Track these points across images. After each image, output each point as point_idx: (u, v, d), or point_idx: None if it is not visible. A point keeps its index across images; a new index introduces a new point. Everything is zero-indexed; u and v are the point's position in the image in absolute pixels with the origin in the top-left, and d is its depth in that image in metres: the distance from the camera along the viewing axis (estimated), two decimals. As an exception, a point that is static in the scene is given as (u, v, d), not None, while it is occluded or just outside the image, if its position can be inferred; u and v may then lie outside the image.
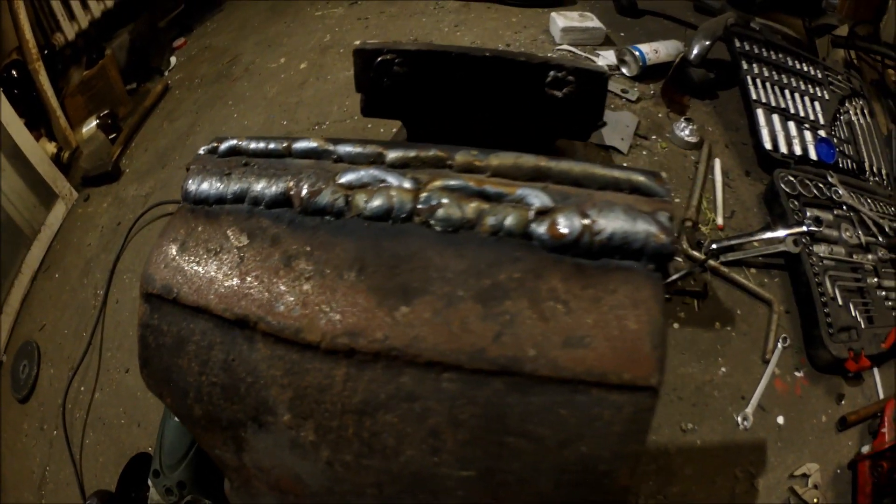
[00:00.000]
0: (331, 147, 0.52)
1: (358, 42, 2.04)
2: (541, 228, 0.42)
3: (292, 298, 0.45)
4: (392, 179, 0.46)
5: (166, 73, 2.45)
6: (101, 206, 1.97)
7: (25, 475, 1.60)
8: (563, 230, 0.42)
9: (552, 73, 0.87)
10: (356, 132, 1.79)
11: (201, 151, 0.61)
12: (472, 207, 0.43)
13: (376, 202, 0.46)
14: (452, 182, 0.45)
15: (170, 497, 1.15)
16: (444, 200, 0.44)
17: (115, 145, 2.11)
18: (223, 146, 0.59)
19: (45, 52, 2.18)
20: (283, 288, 0.46)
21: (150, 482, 1.17)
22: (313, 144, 0.52)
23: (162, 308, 0.54)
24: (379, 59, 0.90)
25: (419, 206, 0.44)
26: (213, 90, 2.20)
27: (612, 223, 0.43)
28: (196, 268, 0.52)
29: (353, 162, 0.50)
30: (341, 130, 1.82)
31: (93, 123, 2.18)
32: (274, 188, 0.51)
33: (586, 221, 0.42)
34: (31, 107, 2.14)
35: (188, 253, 0.53)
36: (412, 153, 0.48)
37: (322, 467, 0.46)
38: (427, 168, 0.48)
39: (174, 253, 0.54)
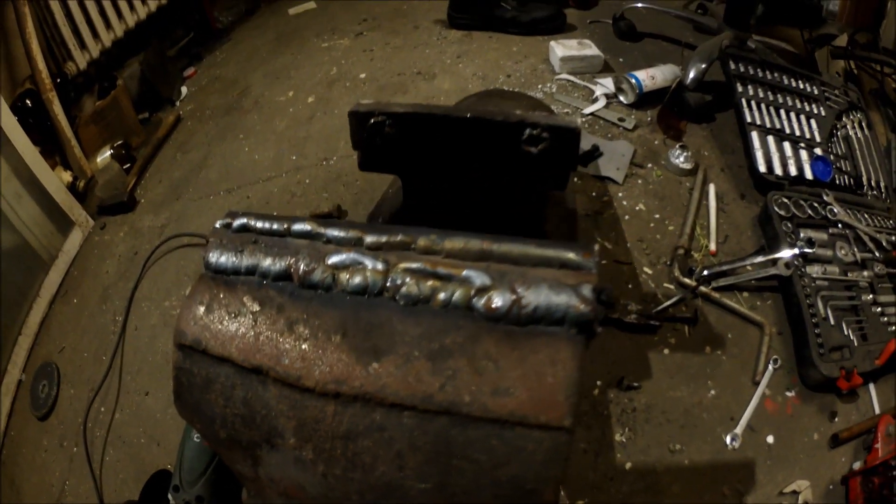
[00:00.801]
0: (322, 230, 0.70)
1: (363, 75, 2.26)
2: (479, 303, 0.60)
3: (294, 354, 0.64)
4: (368, 262, 0.64)
5: (178, 104, 2.65)
6: (118, 236, 2.17)
7: (44, 489, 1.76)
8: (496, 304, 0.59)
9: (528, 130, 1.02)
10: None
11: (217, 225, 0.79)
12: (427, 286, 0.61)
13: (356, 280, 0.64)
14: (413, 265, 0.63)
15: (188, 510, 1.33)
16: (407, 280, 0.62)
17: (130, 175, 2.31)
18: (236, 223, 0.78)
19: (58, 80, 2.37)
20: (287, 346, 0.64)
21: (169, 496, 1.36)
22: (308, 228, 0.71)
23: (192, 356, 0.72)
24: (371, 120, 1.07)
25: (388, 284, 0.63)
26: (224, 122, 2.40)
27: (536, 297, 0.60)
28: (219, 326, 0.70)
29: (339, 244, 0.69)
30: (348, 166, 2.00)
31: (107, 153, 2.39)
32: (278, 265, 0.70)
33: (515, 297, 0.60)
34: (46, 135, 2.33)
35: (213, 314, 0.72)
36: (384, 238, 0.66)
37: (319, 479, 0.65)
38: (396, 250, 0.66)
39: (201, 314, 0.72)
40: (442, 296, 0.61)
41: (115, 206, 2.24)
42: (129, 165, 2.35)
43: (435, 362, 0.59)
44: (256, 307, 0.69)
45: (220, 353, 0.69)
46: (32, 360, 2.06)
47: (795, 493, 1.32)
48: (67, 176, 2.34)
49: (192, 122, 2.49)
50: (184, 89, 2.70)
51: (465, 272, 0.61)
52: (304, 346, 0.64)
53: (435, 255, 0.65)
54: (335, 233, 0.70)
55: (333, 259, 0.67)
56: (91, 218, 2.30)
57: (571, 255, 0.64)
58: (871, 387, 1.46)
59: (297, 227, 0.73)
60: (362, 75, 2.27)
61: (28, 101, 2.27)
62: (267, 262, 0.71)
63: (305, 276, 0.67)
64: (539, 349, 0.58)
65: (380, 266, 0.64)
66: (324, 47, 2.53)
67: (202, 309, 0.72)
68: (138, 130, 2.54)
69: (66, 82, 2.43)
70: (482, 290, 0.60)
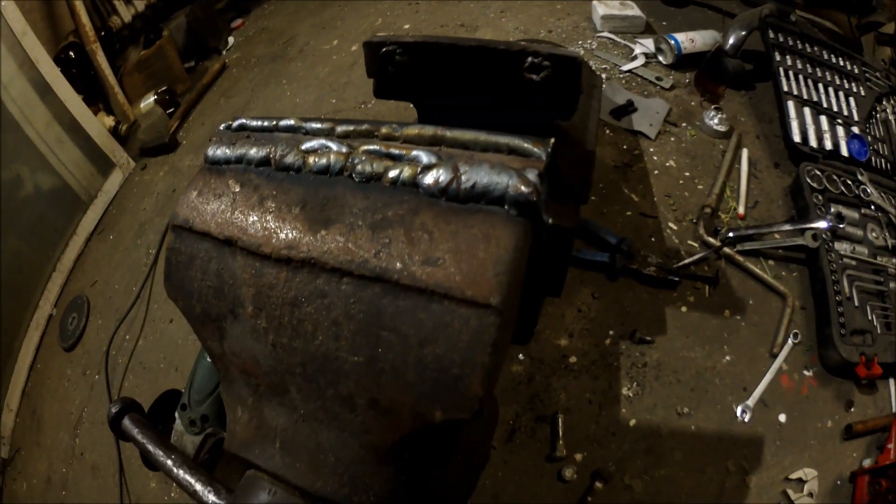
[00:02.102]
0: (302, 124, 0.81)
1: (407, 26, 2.38)
2: (424, 179, 0.69)
3: (260, 225, 0.75)
4: (333, 146, 0.75)
5: (224, 53, 2.87)
6: (158, 175, 2.39)
7: (63, 416, 1.99)
8: (437, 179, 0.68)
9: (529, 58, 1.09)
10: (398, 110, 2.11)
11: (221, 128, 0.92)
12: (381, 164, 0.71)
13: (321, 161, 0.75)
14: (371, 147, 0.73)
15: (192, 428, 1.48)
16: (363, 159, 0.72)
17: (173, 119, 2.53)
18: (235, 124, 0.91)
19: (102, 33, 2.64)
20: (255, 218, 0.76)
21: (176, 414, 1.51)
22: (291, 122, 0.83)
23: (182, 235, 0.85)
24: (383, 49, 1.17)
25: (347, 164, 0.73)
26: (269, 70, 2.59)
27: (476, 175, 0.67)
28: (205, 206, 0.83)
29: (315, 135, 0.79)
30: (384, 109, 2.16)
31: (151, 99, 2.62)
32: (260, 153, 0.81)
33: (455, 174, 0.68)
34: (90, 84, 2.62)
35: (202, 197, 0.84)
36: (352, 127, 0.77)
37: (269, 349, 0.76)
38: (362, 137, 0.76)
39: (193, 197, 0.85)
40: (392, 173, 0.70)
41: (156, 147, 2.46)
42: (172, 110, 2.56)
43: (375, 231, 0.68)
44: (237, 188, 0.81)
45: (202, 228, 0.81)
46: (65, 295, 2.32)
47: (802, 481, 1.34)
48: (110, 121, 2.60)
49: (237, 70, 2.70)
50: (231, 39, 2.91)
51: (414, 152, 0.71)
52: (268, 218, 0.75)
53: (394, 141, 0.74)
54: (313, 125, 0.81)
55: (306, 145, 0.78)
56: (132, 160, 2.54)
57: (521, 143, 0.71)
58: (892, 382, 1.48)
59: (283, 123, 0.85)
60: (406, 26, 2.40)
61: (71, 53, 2.57)
62: (252, 151, 0.83)
63: (280, 160, 0.79)
64: (474, 224, 0.66)
65: (344, 149, 0.75)
66: (370, -1, 2.67)
67: (195, 194, 0.85)
68: (183, 78, 2.75)
69: (110, 35, 2.74)
70: (427, 168, 0.69)
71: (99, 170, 2.48)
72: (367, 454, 0.75)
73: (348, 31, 2.55)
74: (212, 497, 0.88)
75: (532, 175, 0.66)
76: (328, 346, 0.70)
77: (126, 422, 1.03)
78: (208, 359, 1.53)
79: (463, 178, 0.67)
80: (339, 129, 0.78)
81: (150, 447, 0.99)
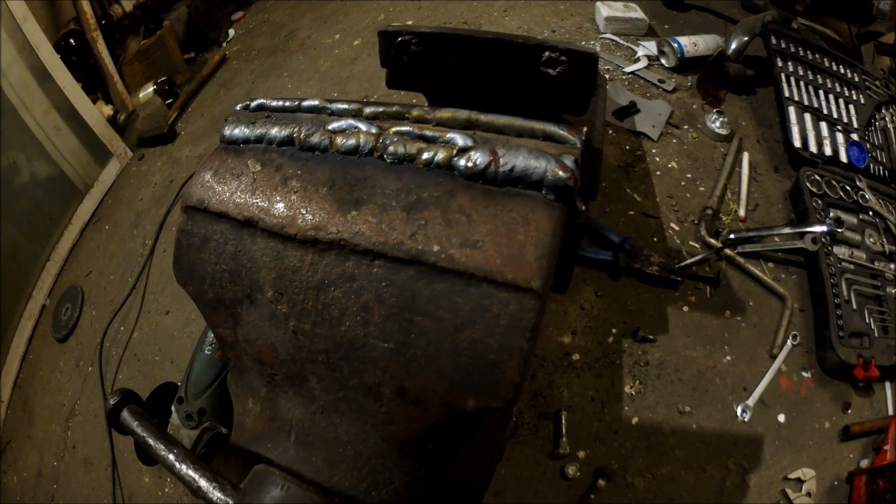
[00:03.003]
0: (327, 104, 0.78)
1: (410, 22, 2.34)
2: (460, 162, 0.66)
3: (283, 204, 0.71)
4: (363, 126, 0.71)
5: (224, 45, 2.81)
6: (156, 165, 2.33)
7: (55, 409, 1.91)
8: (475, 162, 0.65)
9: (546, 53, 1.07)
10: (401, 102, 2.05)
11: (238, 107, 0.88)
12: (414, 146, 0.68)
13: (350, 142, 0.71)
14: (403, 128, 0.69)
15: (189, 423, 1.42)
16: (395, 140, 0.68)
17: (172, 109, 2.47)
18: (253, 104, 0.87)
19: (103, 22, 2.59)
20: (278, 198, 0.72)
21: (173, 408, 1.45)
22: (315, 103, 0.79)
23: (195, 216, 0.80)
24: (398, 39, 1.14)
25: (378, 145, 0.69)
26: (269, 62, 2.54)
27: (514, 159, 0.65)
28: (222, 186, 0.78)
29: (341, 115, 0.76)
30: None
31: (150, 89, 2.57)
32: (283, 132, 0.77)
33: (493, 157, 0.65)
34: (89, 72, 2.55)
35: (218, 177, 0.80)
36: (381, 109, 0.73)
37: (289, 336, 0.71)
38: (391, 119, 0.72)
39: (208, 177, 0.80)
40: (426, 155, 0.67)
41: (154, 137, 2.40)
42: (171, 100, 2.50)
43: (410, 213, 0.64)
44: (258, 167, 0.76)
45: (218, 209, 0.77)
46: (59, 285, 2.25)
47: (800, 481, 1.34)
48: (108, 110, 2.53)
49: (237, 62, 2.65)
50: (231, 31, 2.86)
51: (449, 134, 0.67)
52: (293, 198, 0.71)
53: (426, 124, 0.71)
54: (339, 106, 0.78)
55: (333, 125, 0.75)
56: (130, 149, 2.47)
57: (554, 129, 0.69)
58: (888, 385, 1.48)
59: (307, 103, 0.81)
60: (409, 22, 2.36)
61: (72, 41, 2.51)
62: (274, 131, 0.79)
63: (305, 140, 0.75)
64: (513, 208, 0.63)
65: (374, 130, 0.71)
66: (373, -5, 2.63)
67: (210, 174, 0.81)
68: (183, 69, 2.70)
69: (111, 24, 2.67)
70: (463, 150, 0.66)
71: (96, 159, 2.42)
72: (389, 447, 0.71)
73: (350, 25, 2.52)
74: (218, 493, 0.83)
75: (569, 161, 0.65)
76: (356, 331, 0.66)
77: (125, 414, 0.97)
78: (206, 350, 1.47)
79: (501, 161, 0.64)
80: (368, 110, 0.74)
81: (151, 441, 0.93)
